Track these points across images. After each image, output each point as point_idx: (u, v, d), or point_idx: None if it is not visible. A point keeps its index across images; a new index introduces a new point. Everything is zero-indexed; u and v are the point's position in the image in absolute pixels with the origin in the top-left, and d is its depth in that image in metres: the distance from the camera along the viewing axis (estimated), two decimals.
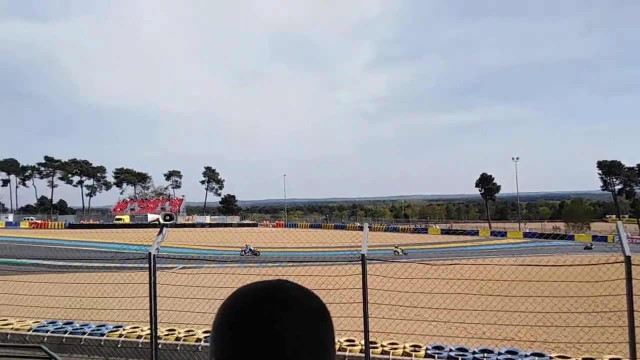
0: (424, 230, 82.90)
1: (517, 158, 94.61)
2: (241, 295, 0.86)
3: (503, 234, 71.72)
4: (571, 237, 63.03)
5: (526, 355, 8.14)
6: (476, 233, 73.64)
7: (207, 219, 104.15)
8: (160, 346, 8.21)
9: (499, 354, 8.24)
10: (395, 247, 37.42)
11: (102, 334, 9.71)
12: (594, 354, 9.47)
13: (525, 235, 68.72)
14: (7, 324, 10.39)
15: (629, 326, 6.13)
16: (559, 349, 10.82)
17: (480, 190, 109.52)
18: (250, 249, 36.71)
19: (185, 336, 9.44)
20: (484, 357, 8.01)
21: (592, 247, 43.82)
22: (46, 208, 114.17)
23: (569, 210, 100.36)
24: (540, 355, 8.21)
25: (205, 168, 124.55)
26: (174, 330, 9.77)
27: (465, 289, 13.38)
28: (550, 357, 8.07)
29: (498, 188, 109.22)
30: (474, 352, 8.35)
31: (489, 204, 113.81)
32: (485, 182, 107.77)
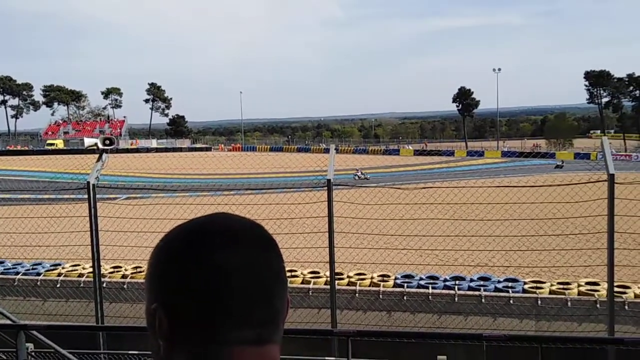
0: (396, 152, 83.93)
1: (499, 69, 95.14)
2: (179, 233, 0.85)
3: (480, 154, 73.33)
4: (552, 155, 64.87)
5: (499, 281, 8.57)
6: (452, 153, 74.98)
7: (154, 143, 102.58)
8: (104, 285, 8.27)
9: (471, 280, 8.64)
10: (357, 172, 38.35)
11: (39, 274, 9.69)
12: (570, 278, 10.04)
13: (504, 154, 70.39)
14: None
15: (608, 248, 6.47)
16: (533, 273, 11.42)
17: (457, 107, 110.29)
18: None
19: (132, 273, 9.51)
20: (455, 284, 8.38)
21: (563, 165, 45.29)
22: None
23: (551, 126, 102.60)
24: (514, 280, 8.66)
25: (149, 85, 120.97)
26: (120, 267, 9.84)
27: (439, 213, 13.82)
28: (524, 282, 8.52)
29: (477, 103, 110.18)
30: (445, 280, 8.73)
31: (467, 121, 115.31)
32: (464, 97, 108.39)
